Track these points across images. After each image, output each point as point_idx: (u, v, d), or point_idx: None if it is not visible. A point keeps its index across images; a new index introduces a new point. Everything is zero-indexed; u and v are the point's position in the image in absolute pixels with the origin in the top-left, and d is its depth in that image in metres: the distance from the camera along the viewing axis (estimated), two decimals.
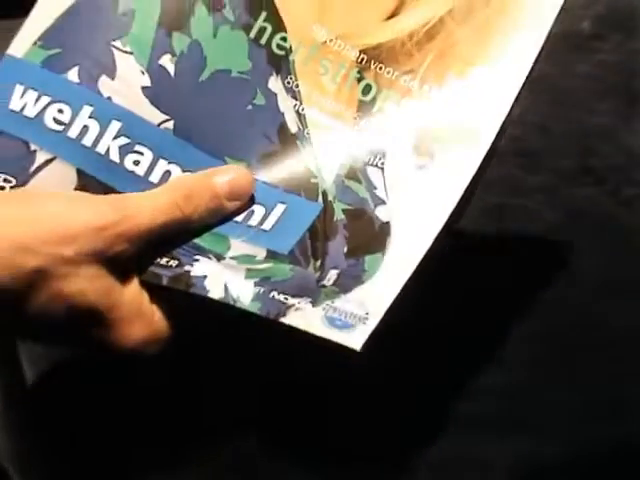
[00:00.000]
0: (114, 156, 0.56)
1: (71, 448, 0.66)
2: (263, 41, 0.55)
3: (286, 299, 0.52)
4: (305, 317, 0.52)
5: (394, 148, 0.55)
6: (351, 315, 0.52)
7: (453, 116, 0.54)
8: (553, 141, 0.76)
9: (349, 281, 0.53)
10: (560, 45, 0.81)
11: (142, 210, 0.52)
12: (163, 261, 0.53)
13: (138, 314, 0.53)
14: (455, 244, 0.71)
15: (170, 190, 0.54)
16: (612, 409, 0.65)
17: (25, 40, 0.57)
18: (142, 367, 0.67)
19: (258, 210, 0.55)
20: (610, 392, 0.65)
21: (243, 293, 0.52)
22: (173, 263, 0.53)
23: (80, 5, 0.57)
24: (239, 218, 0.54)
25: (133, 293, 0.53)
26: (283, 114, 0.55)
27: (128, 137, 0.55)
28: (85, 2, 0.57)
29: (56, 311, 0.51)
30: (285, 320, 0.52)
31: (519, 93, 0.54)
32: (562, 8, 0.54)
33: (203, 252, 0.54)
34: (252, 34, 0.55)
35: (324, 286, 0.53)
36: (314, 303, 0.52)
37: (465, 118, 0.54)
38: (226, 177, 0.54)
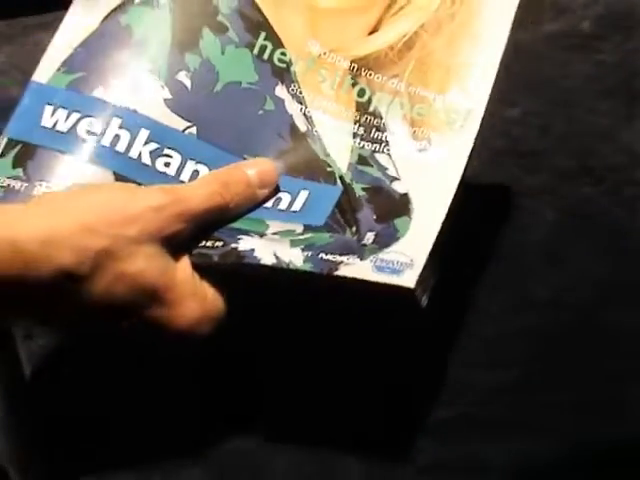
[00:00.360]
0: (146, 159, 0.61)
1: (71, 448, 0.66)
2: (265, 56, 0.62)
3: (334, 257, 0.57)
4: (356, 269, 0.56)
5: (394, 138, 0.61)
6: (397, 262, 0.56)
7: (439, 108, 0.61)
8: (553, 141, 0.76)
9: (386, 239, 0.58)
10: (560, 45, 0.81)
11: (190, 196, 0.57)
12: (209, 243, 0.57)
13: (192, 294, 0.56)
14: (455, 244, 0.71)
15: (209, 181, 0.59)
16: (612, 409, 0.65)
17: (48, 68, 0.63)
18: (143, 367, 0.67)
19: (284, 197, 0.60)
20: (610, 392, 0.65)
21: (293, 258, 0.57)
22: (219, 244, 0.58)
23: (97, 35, 0.63)
24: (269, 204, 0.60)
25: (186, 273, 0.56)
26: (292, 116, 0.62)
27: (157, 142, 0.60)
28: (102, 33, 0.63)
29: (118, 292, 0.54)
30: (338, 273, 0.56)
31: (494, 86, 0.62)
32: (515, 17, 0.63)
33: (245, 232, 0.58)
34: (255, 51, 0.62)
35: (365, 245, 0.58)
36: (361, 258, 0.57)
37: (451, 109, 0.61)
38: (255, 168, 0.59)
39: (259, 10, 0.63)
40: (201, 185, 0.59)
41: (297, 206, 0.60)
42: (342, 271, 0.56)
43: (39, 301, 0.53)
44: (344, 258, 0.57)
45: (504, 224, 0.72)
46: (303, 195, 0.60)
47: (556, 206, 0.73)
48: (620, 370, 0.66)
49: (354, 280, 0.56)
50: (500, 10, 0.63)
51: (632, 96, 0.78)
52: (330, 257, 0.57)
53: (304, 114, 0.62)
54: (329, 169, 0.61)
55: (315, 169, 0.61)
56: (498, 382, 0.65)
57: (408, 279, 0.56)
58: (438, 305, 0.69)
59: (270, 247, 0.58)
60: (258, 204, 0.60)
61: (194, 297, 0.56)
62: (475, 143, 0.61)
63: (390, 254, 0.57)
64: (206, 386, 0.66)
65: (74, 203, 0.55)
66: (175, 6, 0.63)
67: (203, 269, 0.58)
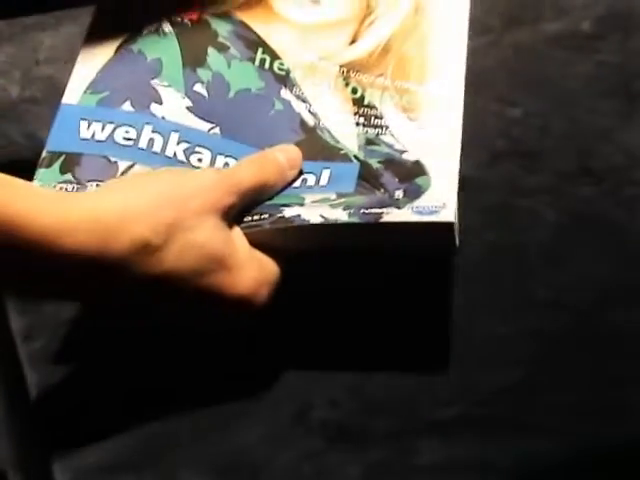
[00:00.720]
0: (181, 157, 0.67)
1: (70, 449, 0.66)
2: (266, 67, 0.70)
3: (375, 211, 0.63)
4: (397, 216, 0.63)
5: (393, 122, 0.69)
6: (432, 206, 0.63)
7: (424, 96, 0.69)
8: (553, 141, 0.76)
9: (414, 194, 0.64)
10: (560, 46, 0.81)
11: (237, 174, 0.64)
12: (256, 217, 0.63)
13: (250, 259, 0.62)
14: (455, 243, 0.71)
15: (249, 164, 0.65)
16: (612, 409, 0.65)
17: (76, 91, 0.70)
18: (142, 367, 0.67)
19: (309, 177, 0.66)
20: (610, 392, 0.65)
21: (339, 215, 0.63)
22: (265, 216, 0.64)
23: (115, 61, 0.71)
24: (297, 184, 0.66)
25: (242, 242, 0.63)
26: (299, 114, 0.69)
27: (187, 142, 0.67)
28: (118, 60, 0.71)
29: (187, 260, 0.59)
30: (382, 220, 0.62)
31: (465, 72, 0.70)
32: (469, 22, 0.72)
33: (286, 205, 0.64)
34: (256, 63, 0.70)
35: (397, 199, 0.64)
36: (398, 208, 0.63)
37: (434, 96, 0.69)
38: (283, 152, 0.66)
39: (253, 31, 0.72)
40: (243, 167, 0.65)
41: (323, 182, 0.66)
42: (385, 219, 0.62)
43: (117, 273, 0.58)
44: (383, 210, 0.63)
45: (504, 224, 0.72)
46: (326, 173, 0.66)
47: (556, 206, 0.73)
48: (621, 370, 0.66)
49: (397, 227, 0.62)
50: (454, 14, 0.73)
51: (632, 96, 0.78)
52: (371, 211, 0.63)
53: (309, 111, 0.69)
54: (342, 152, 0.67)
55: (330, 153, 0.67)
56: (498, 382, 0.65)
57: (446, 216, 0.62)
58: (438, 305, 0.69)
59: (314, 210, 0.64)
60: (289, 184, 0.66)
61: (252, 263, 0.62)
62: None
63: (423, 201, 0.63)
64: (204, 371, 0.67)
65: (141, 184, 0.62)
66: (179, 33, 0.71)
67: (252, 244, 0.63)
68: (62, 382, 0.68)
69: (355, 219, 0.62)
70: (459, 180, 0.64)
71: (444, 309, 0.68)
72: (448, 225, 0.62)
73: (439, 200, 0.63)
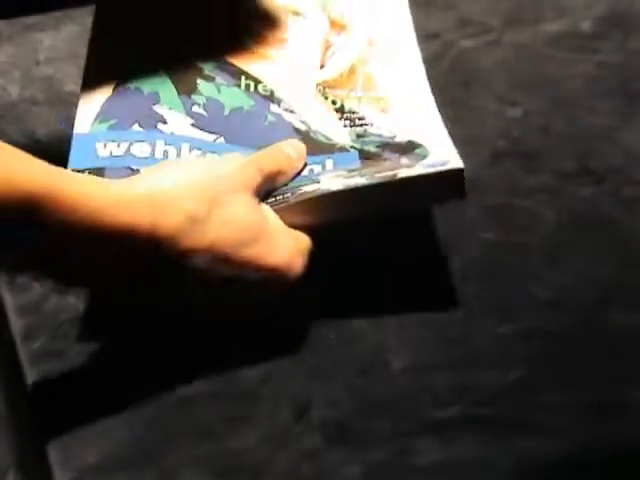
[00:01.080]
0: None
1: (69, 448, 0.66)
2: (252, 90, 0.77)
3: (389, 173, 0.68)
4: (410, 171, 0.67)
5: (375, 120, 0.75)
6: (440, 160, 0.67)
7: (395, 98, 0.77)
8: (553, 142, 0.76)
9: (418, 159, 0.70)
10: (560, 46, 0.81)
11: (260, 159, 0.68)
12: (279, 197, 0.68)
13: (284, 232, 0.67)
14: (455, 244, 0.71)
15: (262, 153, 0.70)
16: (613, 409, 0.65)
17: (85, 121, 0.74)
18: (140, 369, 0.67)
19: (315, 167, 0.71)
20: (611, 392, 0.65)
21: (358, 181, 0.68)
22: (287, 195, 0.68)
23: (115, 96, 0.76)
24: (305, 172, 0.71)
25: (273, 216, 0.67)
26: (291, 123, 0.75)
27: (198, 149, 0.73)
28: (118, 95, 0.76)
29: (227, 233, 0.63)
30: (398, 176, 0.67)
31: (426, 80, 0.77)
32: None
33: (304, 185, 0.69)
34: (242, 87, 0.77)
35: (405, 163, 0.69)
36: (411, 167, 0.68)
37: (404, 98, 0.77)
38: (290, 146, 0.71)
39: (234, 65, 0.79)
40: (260, 155, 0.69)
41: (329, 168, 0.71)
42: (400, 174, 0.67)
43: (167, 248, 0.61)
44: (397, 171, 0.67)
45: (504, 224, 0.72)
46: (329, 162, 0.72)
47: (556, 206, 0.73)
48: (621, 371, 0.66)
49: (413, 182, 0.66)
50: (402, 40, 0.80)
51: (632, 96, 0.78)
52: (385, 173, 0.68)
53: (300, 120, 0.75)
54: (339, 145, 0.73)
55: (328, 147, 0.73)
56: (499, 382, 0.65)
57: (456, 163, 0.66)
58: (438, 304, 0.69)
59: (333, 180, 0.68)
60: (297, 174, 0.70)
61: (286, 235, 0.66)
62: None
63: (430, 159, 0.68)
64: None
65: (179, 166, 0.67)
66: (170, 72, 0.77)
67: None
68: (62, 382, 0.68)
69: (373, 180, 0.67)
70: None
71: (444, 308, 0.68)
72: (459, 171, 0.65)
73: (445, 157, 0.67)
